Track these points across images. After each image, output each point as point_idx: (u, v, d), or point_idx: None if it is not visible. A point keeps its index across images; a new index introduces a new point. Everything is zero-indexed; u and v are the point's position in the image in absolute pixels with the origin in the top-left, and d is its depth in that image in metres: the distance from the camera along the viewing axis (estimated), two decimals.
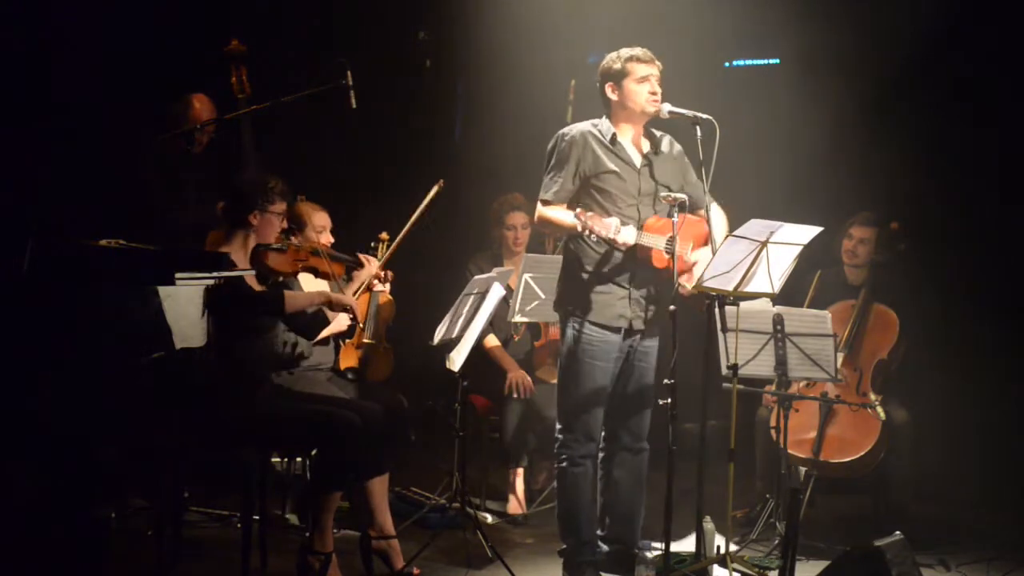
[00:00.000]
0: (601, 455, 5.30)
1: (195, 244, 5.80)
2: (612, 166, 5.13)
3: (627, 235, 4.95)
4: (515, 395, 6.31)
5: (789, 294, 5.41)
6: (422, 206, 6.08)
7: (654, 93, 5.11)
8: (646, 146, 5.25)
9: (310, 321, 5.30)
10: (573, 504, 5.23)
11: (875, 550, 4.70)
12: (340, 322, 5.61)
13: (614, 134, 5.17)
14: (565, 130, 5.24)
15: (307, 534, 5.08)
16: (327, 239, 5.78)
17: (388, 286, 5.91)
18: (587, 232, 4.89)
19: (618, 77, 5.15)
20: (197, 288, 4.49)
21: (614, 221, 4.92)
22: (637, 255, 5.07)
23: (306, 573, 5.00)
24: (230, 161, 6.46)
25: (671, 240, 4.99)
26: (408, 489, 6.33)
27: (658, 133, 5.29)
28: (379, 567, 5.21)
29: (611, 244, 5.02)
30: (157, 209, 6.18)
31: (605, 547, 5.34)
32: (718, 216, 5.23)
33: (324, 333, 5.57)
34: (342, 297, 5.27)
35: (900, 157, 6.94)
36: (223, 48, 6.57)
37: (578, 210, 4.97)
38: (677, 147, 5.30)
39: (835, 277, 6.33)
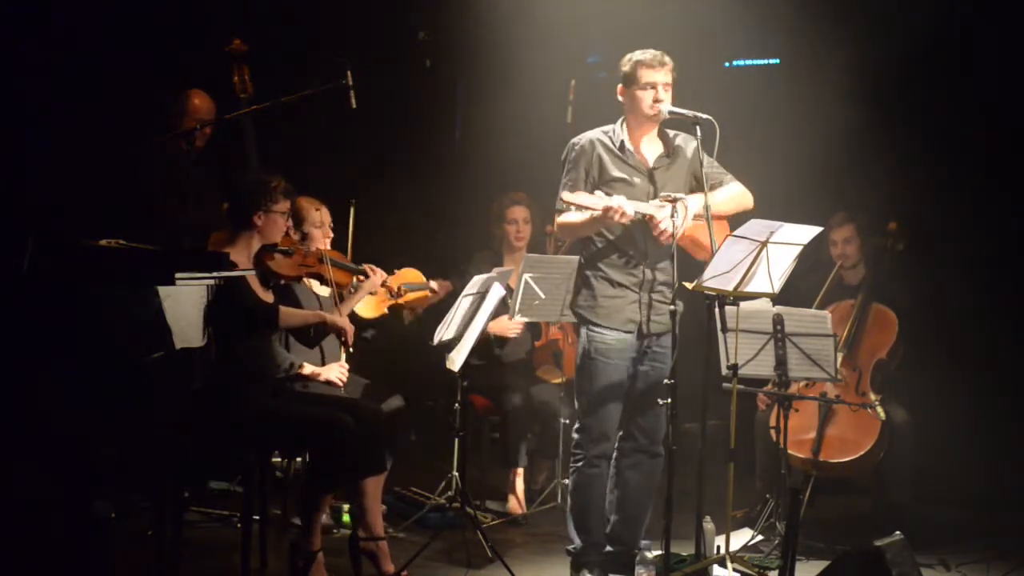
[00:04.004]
0: (615, 454, 5.28)
1: (195, 244, 5.80)
2: (619, 173, 5.12)
3: (620, 200, 4.91)
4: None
5: (788, 295, 5.40)
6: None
7: (658, 101, 5.07)
8: (660, 148, 5.22)
9: (309, 332, 5.34)
10: (586, 504, 5.22)
11: (875, 550, 4.70)
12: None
13: (623, 141, 5.16)
14: (576, 139, 5.22)
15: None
16: (326, 234, 5.77)
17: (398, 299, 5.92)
18: (579, 208, 4.89)
19: (626, 80, 5.13)
20: (197, 288, 4.49)
21: (603, 197, 4.93)
22: (650, 234, 5.04)
23: (293, 571, 5.01)
24: (232, 161, 6.46)
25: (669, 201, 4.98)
26: (408, 489, 6.33)
27: (672, 133, 5.24)
28: (368, 568, 5.19)
29: (608, 219, 4.95)
30: (157, 209, 6.18)
31: (608, 547, 5.33)
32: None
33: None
34: (336, 319, 5.33)
35: (899, 157, 6.93)
36: (225, 47, 6.57)
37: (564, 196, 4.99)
38: (693, 144, 5.19)
39: (834, 278, 6.32)
